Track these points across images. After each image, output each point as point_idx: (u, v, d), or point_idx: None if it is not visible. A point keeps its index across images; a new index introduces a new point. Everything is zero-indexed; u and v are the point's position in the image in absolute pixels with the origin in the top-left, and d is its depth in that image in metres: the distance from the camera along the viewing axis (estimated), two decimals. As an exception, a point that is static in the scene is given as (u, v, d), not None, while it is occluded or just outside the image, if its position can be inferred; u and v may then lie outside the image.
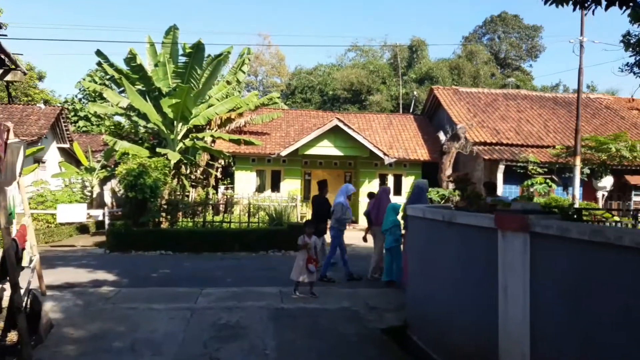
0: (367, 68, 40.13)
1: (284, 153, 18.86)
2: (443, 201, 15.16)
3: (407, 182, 20.37)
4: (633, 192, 15.29)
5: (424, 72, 38.65)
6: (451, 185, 15.87)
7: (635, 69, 7.22)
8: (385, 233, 8.23)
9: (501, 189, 17.45)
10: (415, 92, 33.56)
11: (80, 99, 33.94)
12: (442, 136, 16.15)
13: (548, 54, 70.81)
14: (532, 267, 3.13)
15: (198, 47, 16.89)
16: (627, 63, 7.38)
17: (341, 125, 18.79)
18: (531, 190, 14.87)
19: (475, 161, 18.40)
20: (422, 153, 20.20)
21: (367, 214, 9.13)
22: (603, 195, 15.33)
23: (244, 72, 20.95)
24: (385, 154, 18.75)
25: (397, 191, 20.47)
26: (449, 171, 16.01)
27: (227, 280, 8.68)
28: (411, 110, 30.91)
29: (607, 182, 15.04)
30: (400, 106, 32.41)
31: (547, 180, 14.89)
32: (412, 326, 5.49)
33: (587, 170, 15.24)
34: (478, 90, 23.08)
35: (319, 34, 77.18)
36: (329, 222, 8.92)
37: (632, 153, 14.37)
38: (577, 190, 13.82)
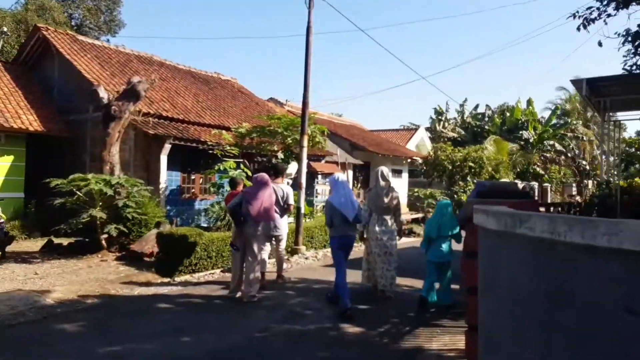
0: None
1: None
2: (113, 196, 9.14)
3: (1, 167, 12.31)
4: (318, 178, 14.09)
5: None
6: (118, 170, 9.91)
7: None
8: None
9: (164, 177, 12.79)
10: (5, 29, 22.38)
11: None
12: (102, 92, 9.84)
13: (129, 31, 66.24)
14: None
15: None
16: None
17: None
18: (220, 178, 11.13)
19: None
20: (29, 120, 12.60)
21: None
22: (288, 182, 13.35)
23: None
24: (-31, 114, 10.34)
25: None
26: (116, 147, 9.92)
27: None
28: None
29: (293, 168, 13.20)
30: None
31: (242, 166, 11.56)
32: None
33: (281, 155, 12.82)
34: (104, 45, 16.73)
35: None
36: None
37: (322, 137, 12.99)
38: (304, 177, 11.05)
